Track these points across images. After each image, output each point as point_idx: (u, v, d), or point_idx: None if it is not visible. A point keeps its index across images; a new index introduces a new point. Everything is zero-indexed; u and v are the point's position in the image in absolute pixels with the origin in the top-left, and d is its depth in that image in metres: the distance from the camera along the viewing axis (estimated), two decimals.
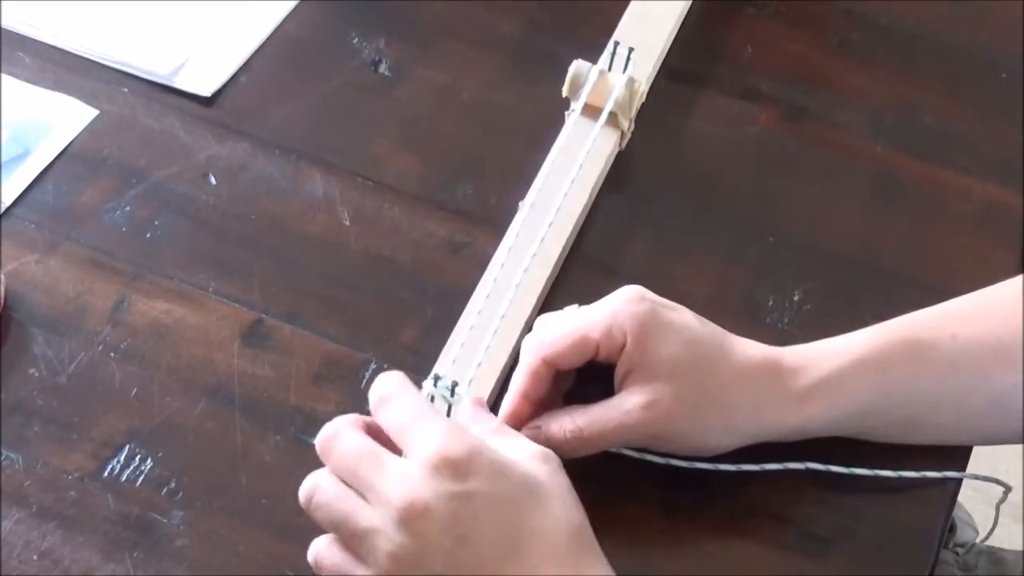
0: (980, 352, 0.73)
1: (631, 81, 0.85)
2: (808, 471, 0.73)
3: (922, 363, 0.73)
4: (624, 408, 0.70)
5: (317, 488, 0.64)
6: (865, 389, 0.72)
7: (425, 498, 0.61)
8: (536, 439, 0.69)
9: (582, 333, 0.71)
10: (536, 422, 0.71)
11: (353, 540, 0.63)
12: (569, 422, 0.70)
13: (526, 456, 0.65)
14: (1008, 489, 0.79)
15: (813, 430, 0.73)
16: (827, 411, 0.72)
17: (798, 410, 0.72)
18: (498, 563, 0.62)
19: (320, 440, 0.65)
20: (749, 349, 0.73)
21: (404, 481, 0.61)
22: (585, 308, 0.73)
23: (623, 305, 0.71)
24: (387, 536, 0.61)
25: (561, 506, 0.64)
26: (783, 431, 0.72)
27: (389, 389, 0.66)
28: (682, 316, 0.72)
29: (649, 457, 0.72)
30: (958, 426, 0.75)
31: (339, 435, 0.64)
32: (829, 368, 0.72)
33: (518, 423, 0.71)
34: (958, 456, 0.76)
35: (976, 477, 0.76)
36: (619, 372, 0.71)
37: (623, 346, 0.70)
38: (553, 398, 0.73)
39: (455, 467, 0.61)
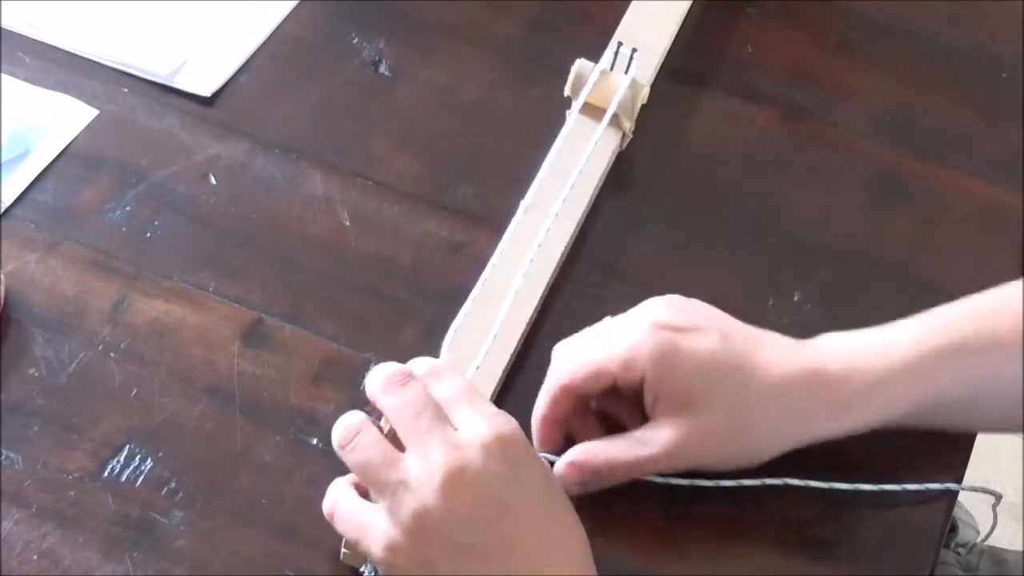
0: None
1: (635, 83, 0.85)
2: (787, 486, 0.73)
3: (970, 366, 0.72)
4: (652, 446, 0.70)
5: (361, 431, 0.64)
6: (914, 396, 0.71)
7: (475, 469, 0.61)
8: (571, 477, 0.69)
9: (599, 366, 0.70)
10: (568, 458, 0.70)
11: (381, 488, 0.63)
12: (596, 457, 0.70)
13: None
14: (999, 496, 0.78)
15: (852, 432, 0.72)
16: (871, 418, 0.71)
17: (840, 420, 0.71)
18: (523, 553, 0.62)
19: (385, 379, 0.65)
20: (782, 358, 0.71)
21: (458, 449, 0.62)
22: (607, 334, 0.71)
23: (642, 336, 0.69)
24: (418, 494, 0.61)
25: (575, 518, 0.65)
26: (821, 438, 0.72)
27: (439, 366, 0.66)
28: (702, 340, 0.70)
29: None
30: (1007, 416, 0.75)
31: (410, 381, 0.64)
32: (875, 376, 0.70)
33: (546, 445, 0.71)
34: (956, 463, 0.76)
35: (963, 488, 0.75)
36: (647, 398, 0.70)
37: (642, 378, 0.69)
38: (580, 413, 0.72)
39: (509, 451, 0.62)
